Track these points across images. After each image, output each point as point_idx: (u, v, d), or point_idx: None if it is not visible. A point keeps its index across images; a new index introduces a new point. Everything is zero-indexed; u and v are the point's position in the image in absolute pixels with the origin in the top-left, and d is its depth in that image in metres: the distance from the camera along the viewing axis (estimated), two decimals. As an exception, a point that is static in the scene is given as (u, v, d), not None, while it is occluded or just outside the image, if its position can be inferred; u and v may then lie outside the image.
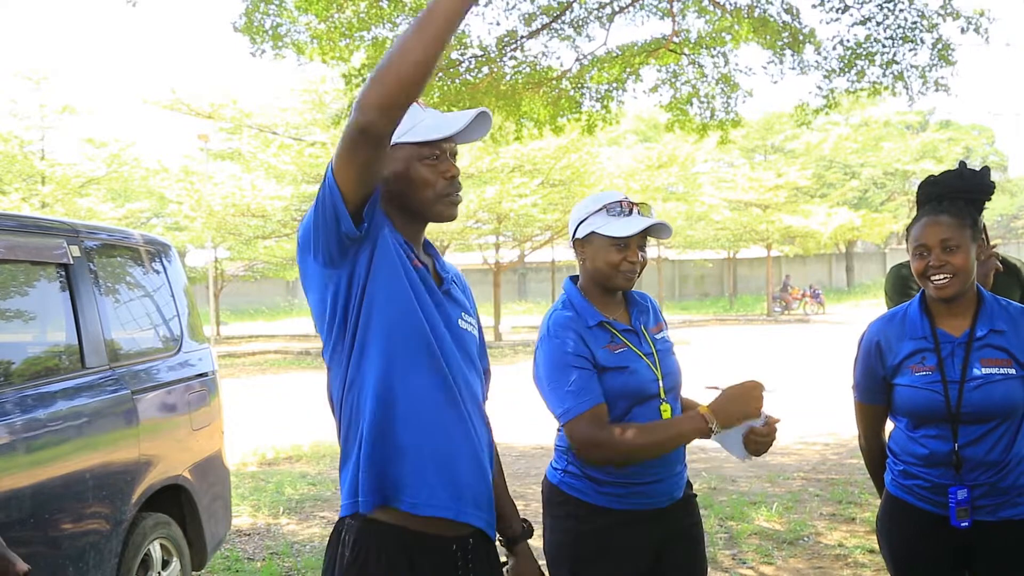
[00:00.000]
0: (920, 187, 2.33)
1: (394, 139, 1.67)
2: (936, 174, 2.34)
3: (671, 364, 2.27)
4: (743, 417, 2.00)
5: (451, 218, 1.75)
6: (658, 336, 2.29)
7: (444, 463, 1.65)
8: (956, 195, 2.24)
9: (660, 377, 2.20)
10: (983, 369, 2.17)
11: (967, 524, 2.18)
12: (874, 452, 2.47)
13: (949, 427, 2.18)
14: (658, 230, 2.22)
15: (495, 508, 1.80)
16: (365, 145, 1.51)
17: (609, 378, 2.14)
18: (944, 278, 2.18)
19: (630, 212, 2.22)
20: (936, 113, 43.27)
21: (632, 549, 2.18)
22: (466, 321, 1.81)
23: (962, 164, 2.34)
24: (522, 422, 9.45)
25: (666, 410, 2.18)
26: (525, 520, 1.96)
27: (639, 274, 2.25)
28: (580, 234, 2.25)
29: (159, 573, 3.56)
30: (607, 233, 2.19)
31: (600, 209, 2.22)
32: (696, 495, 2.39)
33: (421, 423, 1.64)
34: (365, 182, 1.57)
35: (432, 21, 1.44)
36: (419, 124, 1.70)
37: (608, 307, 2.26)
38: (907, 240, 2.30)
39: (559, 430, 2.25)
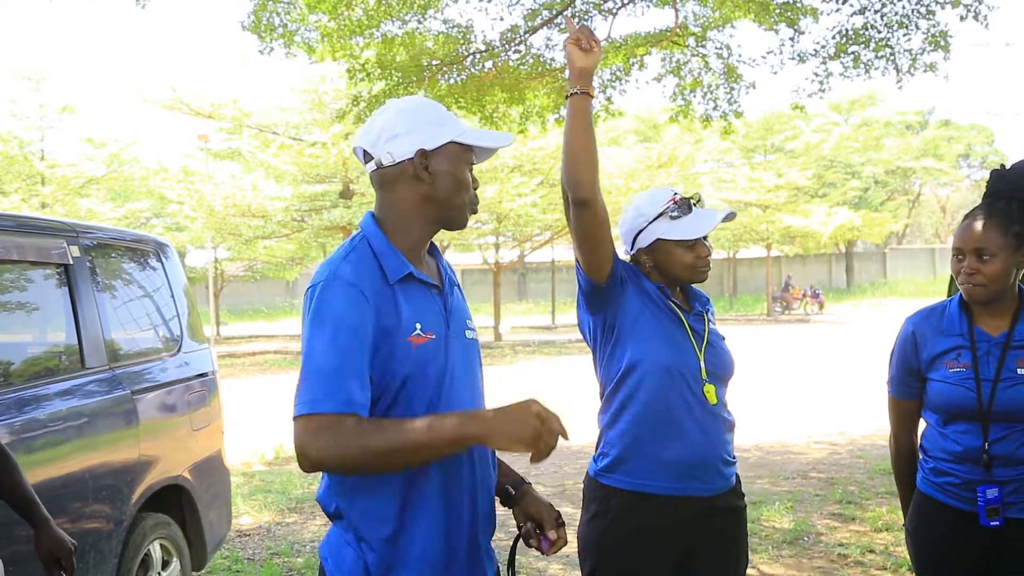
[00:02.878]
0: (990, 176, 2.26)
1: (453, 136, 1.71)
2: (1011, 166, 2.24)
3: (721, 350, 2.27)
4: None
5: (463, 226, 1.78)
6: (712, 325, 2.30)
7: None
8: (1019, 194, 2.17)
9: (701, 357, 2.19)
10: (1019, 370, 2.15)
11: (998, 523, 2.15)
12: (903, 452, 2.43)
13: (979, 424, 2.17)
14: (727, 218, 2.28)
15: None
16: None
17: (649, 344, 2.17)
18: (974, 286, 2.17)
19: (689, 209, 2.23)
20: (936, 113, 43.41)
21: (657, 553, 2.15)
22: (470, 329, 1.81)
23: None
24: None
25: (710, 391, 2.17)
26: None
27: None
28: (643, 243, 2.25)
29: (159, 573, 3.56)
30: (677, 238, 2.20)
31: (660, 215, 2.23)
32: (744, 505, 2.31)
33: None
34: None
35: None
36: (468, 131, 1.74)
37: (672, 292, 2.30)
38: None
39: (600, 414, 2.28)
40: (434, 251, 1.83)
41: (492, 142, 1.77)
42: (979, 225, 2.15)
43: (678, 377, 2.15)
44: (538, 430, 1.49)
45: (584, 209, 2.05)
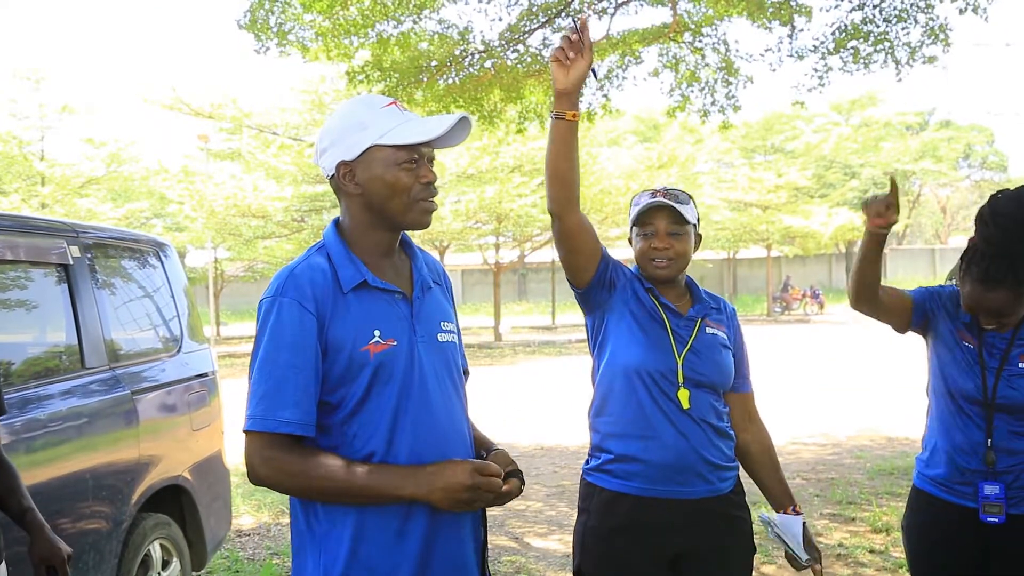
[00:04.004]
0: (980, 226, 2.15)
1: (373, 141, 1.65)
2: (997, 218, 2.09)
3: (709, 357, 2.21)
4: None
5: (425, 226, 1.72)
6: (709, 331, 2.24)
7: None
8: (1014, 247, 2.12)
9: (680, 361, 2.16)
10: (1020, 364, 2.21)
11: (996, 520, 2.17)
12: (867, 279, 2.34)
13: (983, 413, 2.20)
14: (667, 209, 2.20)
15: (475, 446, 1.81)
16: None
17: (625, 345, 2.18)
18: (993, 327, 2.26)
19: (653, 197, 2.23)
20: (936, 113, 43.37)
21: (640, 553, 2.14)
22: (445, 332, 1.77)
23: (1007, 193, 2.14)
24: (522, 422, 9.44)
25: (684, 397, 2.14)
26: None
27: (678, 266, 2.22)
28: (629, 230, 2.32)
29: (159, 573, 3.56)
30: (631, 221, 2.26)
31: (633, 202, 2.28)
32: (744, 516, 2.26)
33: None
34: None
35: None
36: (398, 127, 1.66)
37: (664, 293, 2.26)
38: (960, 272, 2.25)
39: (589, 412, 2.28)
40: (410, 252, 1.80)
41: (424, 135, 1.66)
42: (994, 298, 2.18)
43: (648, 380, 2.15)
44: (471, 498, 1.59)
45: (555, 220, 2.11)
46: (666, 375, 2.15)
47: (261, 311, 1.64)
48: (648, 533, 2.14)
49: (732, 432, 2.26)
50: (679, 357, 2.17)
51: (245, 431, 1.59)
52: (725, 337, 2.28)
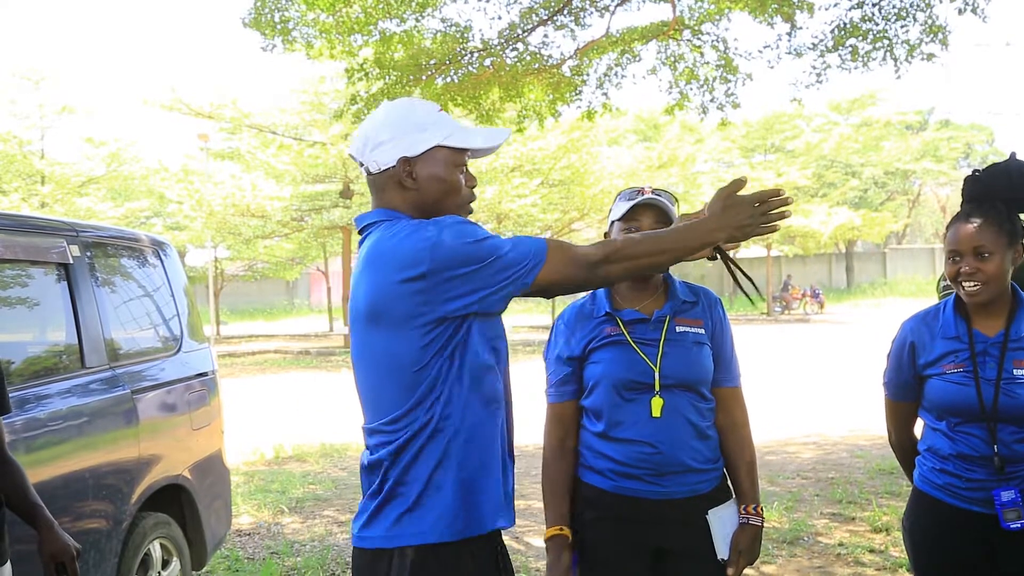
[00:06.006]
0: (965, 183, 2.27)
1: (438, 141, 1.73)
2: (983, 170, 2.26)
3: (682, 358, 2.17)
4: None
5: None
6: (680, 329, 2.20)
7: (499, 479, 1.76)
8: (998, 196, 2.18)
9: (657, 369, 2.14)
10: (1015, 370, 2.15)
11: (1019, 526, 2.13)
12: (906, 448, 2.46)
13: (985, 425, 2.17)
14: (655, 209, 2.18)
15: None
16: (577, 281, 1.72)
17: (593, 365, 2.20)
18: (976, 285, 2.16)
19: (641, 195, 2.21)
20: (936, 113, 43.37)
21: (617, 546, 2.15)
22: None
23: (1012, 156, 2.25)
24: (522, 422, 9.46)
25: (657, 405, 2.13)
26: None
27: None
28: (608, 226, 2.31)
29: (159, 573, 3.56)
30: (614, 218, 2.24)
31: (618, 198, 2.27)
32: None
33: (483, 449, 1.74)
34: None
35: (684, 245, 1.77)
36: (460, 131, 1.75)
37: (634, 297, 2.24)
38: (944, 239, 2.27)
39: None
40: None
41: (484, 142, 1.78)
42: (974, 225, 2.16)
43: (620, 386, 2.16)
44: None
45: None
46: (640, 382, 2.15)
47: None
48: (627, 527, 2.16)
49: (713, 433, 2.22)
50: (655, 365, 2.15)
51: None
52: (701, 332, 2.22)
